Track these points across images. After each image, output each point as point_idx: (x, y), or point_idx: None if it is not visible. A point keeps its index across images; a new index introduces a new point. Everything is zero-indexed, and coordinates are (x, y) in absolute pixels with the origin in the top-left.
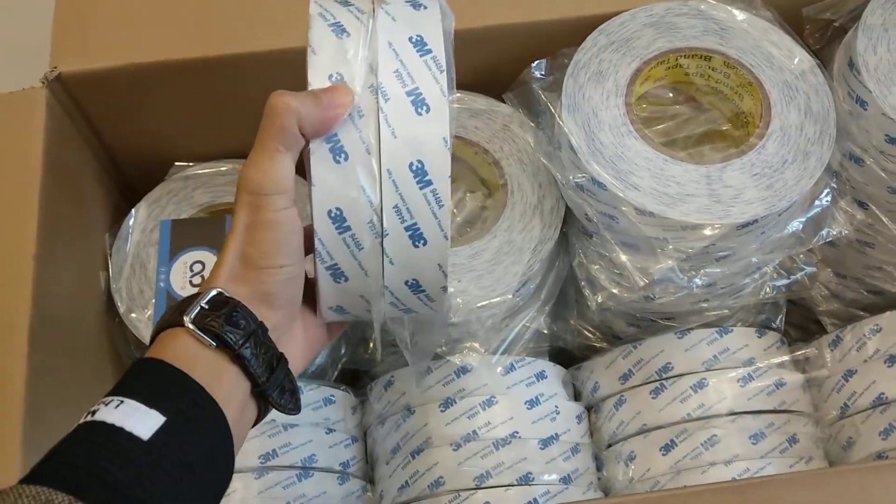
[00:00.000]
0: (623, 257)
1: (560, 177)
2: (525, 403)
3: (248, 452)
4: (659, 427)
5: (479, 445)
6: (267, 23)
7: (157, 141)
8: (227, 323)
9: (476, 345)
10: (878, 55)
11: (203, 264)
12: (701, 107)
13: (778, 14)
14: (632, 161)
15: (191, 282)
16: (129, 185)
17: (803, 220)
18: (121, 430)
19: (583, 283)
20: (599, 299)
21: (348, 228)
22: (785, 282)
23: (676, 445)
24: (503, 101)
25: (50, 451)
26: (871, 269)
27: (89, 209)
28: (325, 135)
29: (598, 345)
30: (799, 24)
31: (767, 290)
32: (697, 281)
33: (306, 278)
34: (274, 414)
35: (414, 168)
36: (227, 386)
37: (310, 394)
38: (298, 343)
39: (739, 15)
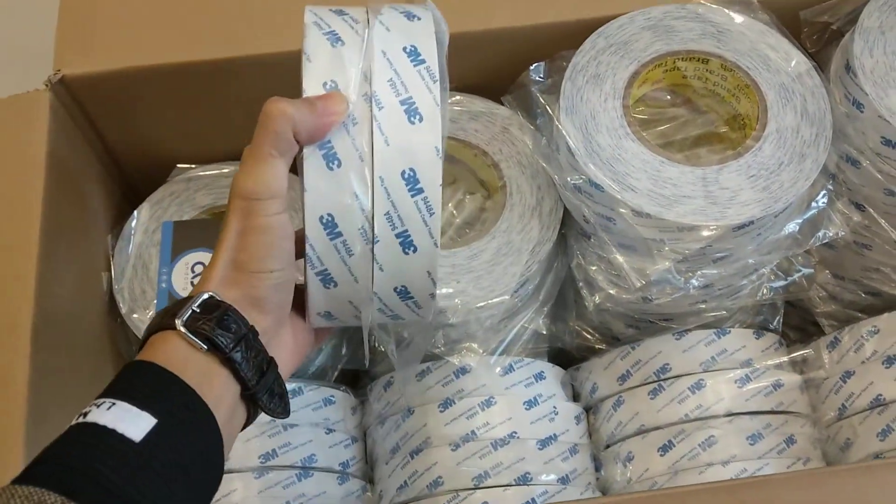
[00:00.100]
0: (620, 258)
1: (558, 178)
2: (524, 404)
3: (248, 452)
4: (657, 428)
5: (478, 446)
6: (268, 26)
7: (160, 143)
8: (219, 326)
9: (475, 345)
10: (874, 58)
11: (204, 265)
12: (698, 109)
13: (775, 17)
14: (629, 163)
15: (192, 282)
16: (132, 186)
17: (800, 221)
18: (113, 431)
19: (581, 284)
20: (597, 300)
21: (339, 234)
22: (782, 283)
23: (674, 446)
24: (502, 104)
25: (42, 452)
26: (868, 271)
27: (92, 210)
28: (318, 141)
29: (597, 346)
30: (796, 27)
31: (765, 291)
32: (694, 282)
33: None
34: None
35: (406, 176)
36: (217, 389)
37: (310, 394)
38: (287, 347)
39: (737, 18)
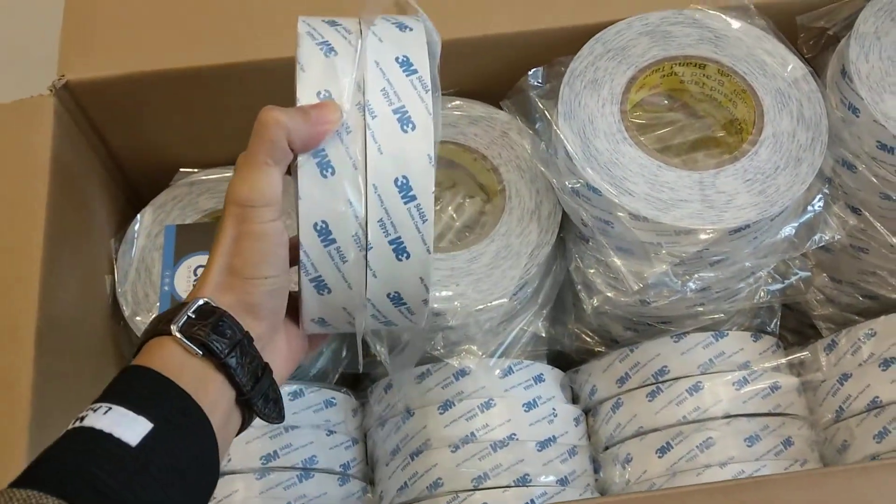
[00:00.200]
0: (617, 261)
1: (556, 182)
2: (523, 406)
3: (249, 453)
4: (655, 430)
5: (478, 447)
6: (270, 32)
7: (163, 147)
8: (214, 332)
9: (474, 348)
10: (870, 63)
11: None
12: (695, 114)
13: (772, 22)
14: (626, 167)
15: (194, 285)
16: (135, 190)
17: (796, 225)
18: (109, 436)
19: (579, 287)
20: (595, 303)
21: (333, 241)
22: (779, 286)
23: (672, 448)
24: (501, 109)
25: (39, 456)
26: (865, 274)
27: (95, 214)
28: (313, 150)
29: (596, 348)
30: (793, 32)
31: (762, 294)
32: (691, 285)
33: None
34: None
35: (399, 183)
36: (212, 394)
37: (311, 396)
38: (282, 354)
39: (734, 23)
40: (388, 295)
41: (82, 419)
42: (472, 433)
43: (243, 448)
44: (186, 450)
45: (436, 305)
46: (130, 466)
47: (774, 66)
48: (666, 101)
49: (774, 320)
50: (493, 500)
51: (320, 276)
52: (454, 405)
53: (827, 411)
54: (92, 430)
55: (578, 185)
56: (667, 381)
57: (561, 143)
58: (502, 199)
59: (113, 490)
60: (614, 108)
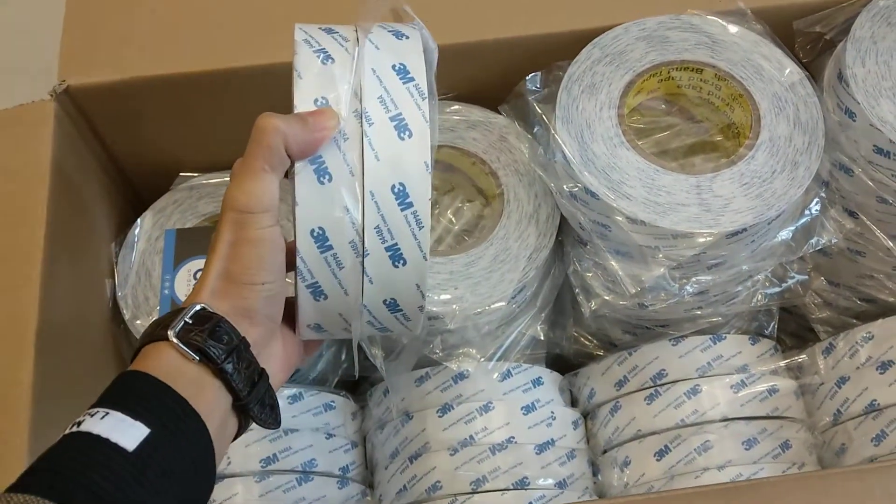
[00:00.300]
0: (615, 265)
1: (554, 186)
2: (521, 409)
3: (249, 456)
4: (653, 433)
5: (476, 450)
6: (270, 37)
7: (163, 152)
8: (211, 337)
9: (473, 351)
10: (866, 67)
11: None
12: (693, 118)
13: (769, 27)
14: (624, 171)
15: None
16: (135, 194)
17: (793, 228)
18: (106, 441)
19: (577, 291)
20: (593, 306)
21: (330, 248)
22: (777, 290)
23: (670, 451)
24: (499, 113)
25: (37, 461)
26: (863, 278)
27: (96, 218)
28: (310, 156)
29: (595, 352)
30: (790, 37)
31: (760, 297)
32: (689, 288)
33: None
34: None
35: (396, 190)
36: (209, 399)
37: (310, 399)
38: (278, 359)
39: (731, 28)
40: (385, 301)
41: (79, 424)
42: (471, 436)
43: (243, 451)
44: (183, 455)
45: (434, 309)
46: (127, 471)
47: (771, 71)
48: (663, 106)
49: (772, 323)
50: (491, 503)
51: (317, 283)
52: (453, 408)
53: (825, 414)
54: (89, 434)
55: (576, 188)
56: (665, 384)
57: (559, 148)
58: (501, 202)
59: (110, 495)
60: (612, 112)
